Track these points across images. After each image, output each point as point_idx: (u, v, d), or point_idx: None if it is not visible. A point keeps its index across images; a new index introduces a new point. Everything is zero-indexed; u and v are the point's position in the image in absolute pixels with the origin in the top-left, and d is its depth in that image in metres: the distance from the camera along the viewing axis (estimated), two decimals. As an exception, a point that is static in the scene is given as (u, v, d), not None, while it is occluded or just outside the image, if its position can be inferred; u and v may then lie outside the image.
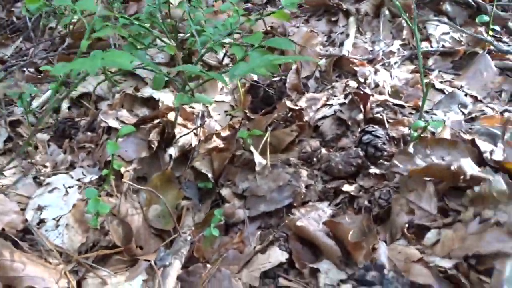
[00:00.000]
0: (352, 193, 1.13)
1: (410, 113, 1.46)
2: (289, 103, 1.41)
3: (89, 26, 1.04)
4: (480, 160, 1.10)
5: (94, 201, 1.00)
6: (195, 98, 1.18)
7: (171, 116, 1.29)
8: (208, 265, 1.02)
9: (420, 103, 1.32)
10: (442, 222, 0.98)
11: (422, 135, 1.15)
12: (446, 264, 0.86)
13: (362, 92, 1.37)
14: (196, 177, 1.28)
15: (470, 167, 1.00)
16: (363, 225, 1.04)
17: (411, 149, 1.16)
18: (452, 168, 0.99)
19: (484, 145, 1.14)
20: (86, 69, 0.87)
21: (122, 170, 1.22)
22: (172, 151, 1.30)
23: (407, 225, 0.99)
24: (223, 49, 1.62)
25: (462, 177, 0.99)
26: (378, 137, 1.20)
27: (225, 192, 1.22)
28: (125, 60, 0.82)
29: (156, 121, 1.34)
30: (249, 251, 1.05)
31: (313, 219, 1.06)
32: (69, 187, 1.20)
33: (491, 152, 1.11)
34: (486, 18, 1.73)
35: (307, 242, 1.04)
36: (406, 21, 1.45)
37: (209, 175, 1.25)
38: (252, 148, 1.20)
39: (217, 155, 1.27)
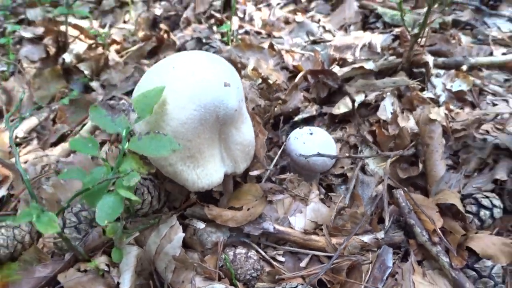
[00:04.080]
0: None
1: (262, 37, 1.79)
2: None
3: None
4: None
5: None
6: (72, 10, 1.58)
7: (62, 28, 1.70)
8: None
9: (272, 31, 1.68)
10: None
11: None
12: None
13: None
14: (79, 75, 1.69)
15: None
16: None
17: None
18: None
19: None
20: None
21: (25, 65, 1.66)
22: (67, 56, 1.70)
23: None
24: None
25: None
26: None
27: (94, 84, 1.62)
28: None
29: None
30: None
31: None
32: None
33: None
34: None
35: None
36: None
37: (87, 72, 1.64)
38: (111, 48, 1.58)
39: (94, 60, 1.67)
